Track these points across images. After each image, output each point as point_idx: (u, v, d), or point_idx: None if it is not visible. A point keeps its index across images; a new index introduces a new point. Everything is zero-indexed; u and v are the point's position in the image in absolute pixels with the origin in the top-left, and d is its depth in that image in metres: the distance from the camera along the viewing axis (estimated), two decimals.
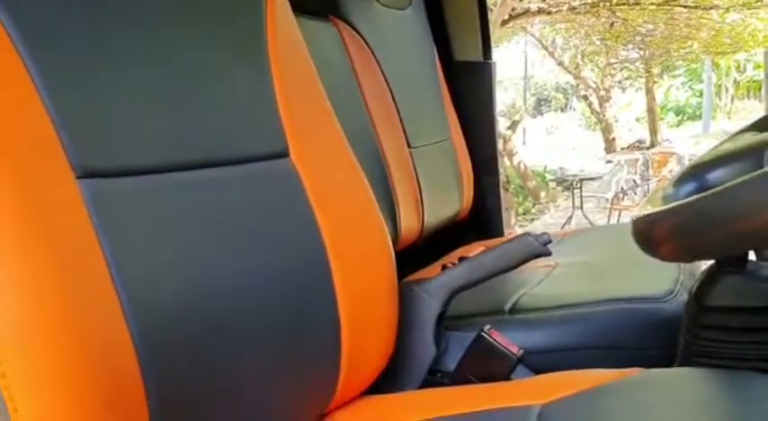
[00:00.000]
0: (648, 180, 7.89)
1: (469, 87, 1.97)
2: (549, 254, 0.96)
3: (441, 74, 1.87)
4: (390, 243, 0.96)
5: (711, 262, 0.95)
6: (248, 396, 0.73)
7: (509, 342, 0.93)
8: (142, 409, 0.60)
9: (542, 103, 19.63)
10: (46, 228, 0.56)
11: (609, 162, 9.15)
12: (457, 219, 1.86)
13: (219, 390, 0.69)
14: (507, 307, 1.13)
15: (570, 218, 7.30)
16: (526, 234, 0.97)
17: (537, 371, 0.98)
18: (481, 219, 1.97)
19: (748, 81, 16.91)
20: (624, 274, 1.29)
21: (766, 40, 9.18)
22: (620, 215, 7.22)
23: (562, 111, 19.28)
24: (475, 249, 1.78)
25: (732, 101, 17.24)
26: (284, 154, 0.83)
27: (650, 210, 0.74)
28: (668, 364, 0.98)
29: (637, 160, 8.60)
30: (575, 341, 1.07)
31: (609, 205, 7.37)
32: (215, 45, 0.78)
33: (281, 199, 0.82)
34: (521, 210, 8.80)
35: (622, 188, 7.71)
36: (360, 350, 0.86)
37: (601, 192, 7.91)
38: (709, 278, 0.92)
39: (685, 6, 7.65)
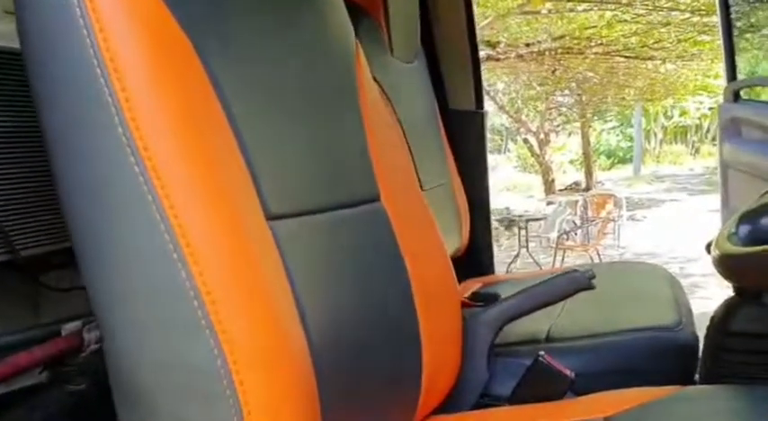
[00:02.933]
0: (591, 221, 8.20)
1: (463, 134, 2.11)
2: (593, 288, 1.08)
3: (440, 121, 2.01)
4: (453, 270, 1.08)
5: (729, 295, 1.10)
6: (360, 403, 0.84)
7: (563, 366, 1.04)
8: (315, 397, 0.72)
9: None
10: (253, 261, 0.67)
11: (550, 203, 9.46)
12: (455, 256, 1.98)
13: (345, 393, 0.80)
14: (543, 336, 1.25)
15: (516, 256, 7.51)
16: (574, 269, 1.09)
17: (577, 394, 1.10)
18: (474, 257, 2.10)
19: (675, 126, 17.72)
20: (629, 306, 1.42)
21: (696, 89, 9.74)
22: (564, 254, 7.49)
23: (499, 152, 19.78)
24: (472, 286, 1.91)
25: (660, 145, 18.03)
26: (377, 197, 0.94)
27: (729, 246, 0.89)
28: (684, 384, 1.11)
29: (577, 202, 8.93)
30: (605, 366, 1.19)
31: (552, 245, 7.64)
32: (332, 98, 0.90)
33: (377, 238, 0.93)
34: None
35: (565, 229, 7.99)
36: (436, 369, 0.97)
37: (543, 233, 8.17)
38: (730, 308, 1.06)
39: (625, 56, 8.09)
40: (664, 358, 1.21)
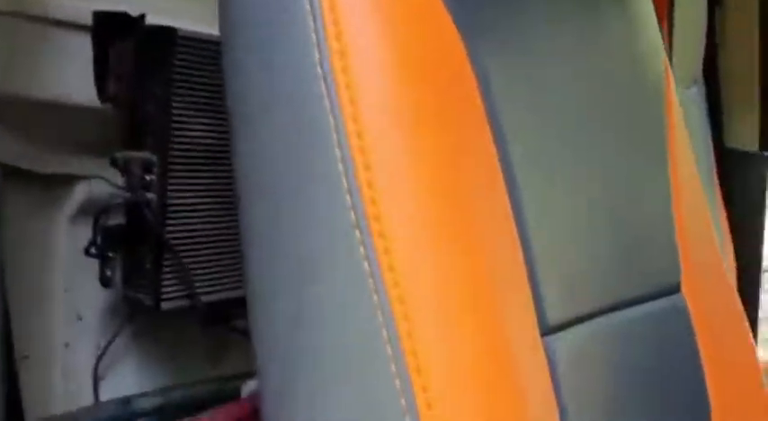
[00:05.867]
0: None
1: (740, 178, 1.76)
2: None
3: (714, 163, 1.67)
4: (763, 379, 0.79)
5: None
6: None
7: None
8: None
9: None
10: (515, 387, 0.43)
11: None
12: None
13: None
14: None
15: None
16: None
17: None
18: None
19: None
20: None
21: None
22: None
23: None
24: None
25: None
26: (678, 287, 0.68)
27: None
28: None
29: None
30: None
31: None
32: (633, 147, 0.65)
33: (672, 342, 0.67)
34: None
35: None
36: None
37: None
38: None
39: None
40: None
